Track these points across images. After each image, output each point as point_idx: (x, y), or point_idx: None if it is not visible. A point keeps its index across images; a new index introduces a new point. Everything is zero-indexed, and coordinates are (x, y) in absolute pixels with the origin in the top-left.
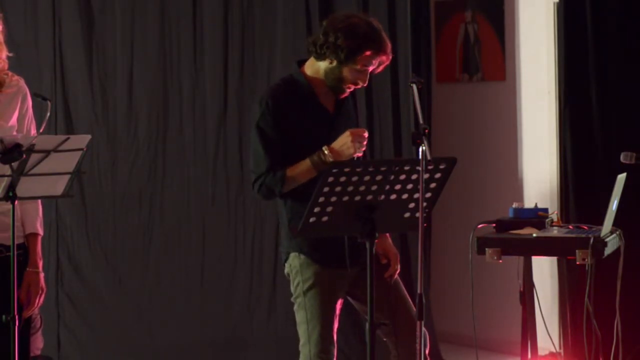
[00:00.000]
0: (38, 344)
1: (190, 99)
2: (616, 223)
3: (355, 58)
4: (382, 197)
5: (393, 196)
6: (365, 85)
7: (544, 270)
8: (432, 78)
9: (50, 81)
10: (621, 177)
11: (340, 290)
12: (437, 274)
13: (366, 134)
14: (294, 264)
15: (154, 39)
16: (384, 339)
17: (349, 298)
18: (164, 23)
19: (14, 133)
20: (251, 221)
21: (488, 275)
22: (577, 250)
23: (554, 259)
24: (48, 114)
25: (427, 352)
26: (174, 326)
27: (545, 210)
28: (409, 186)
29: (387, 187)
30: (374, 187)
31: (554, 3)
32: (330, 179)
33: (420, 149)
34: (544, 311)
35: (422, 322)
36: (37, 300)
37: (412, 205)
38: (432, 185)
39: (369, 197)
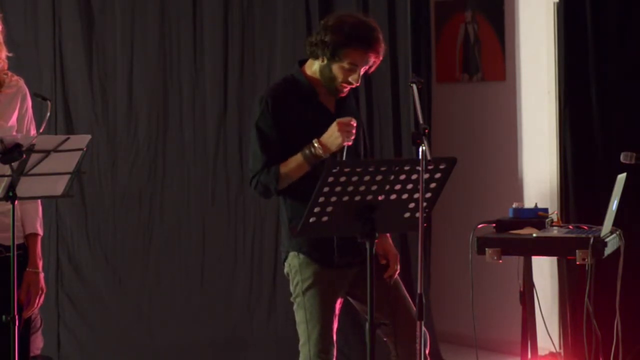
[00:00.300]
0: (38, 344)
1: (190, 99)
2: (616, 223)
3: (340, 55)
4: (382, 197)
5: (393, 196)
6: (357, 84)
7: (544, 270)
8: (432, 78)
9: (50, 81)
10: (621, 177)
11: (339, 290)
12: (437, 274)
13: (354, 123)
14: (293, 263)
15: (154, 39)
16: (384, 339)
17: (349, 298)
18: (164, 23)
19: (14, 133)
20: (251, 221)
21: (488, 275)
22: (577, 250)
23: (554, 259)
24: (48, 114)
25: (427, 352)
26: (174, 326)
27: (545, 210)
28: (409, 186)
29: (387, 187)
30: (374, 187)
31: (554, 3)
32: (330, 179)
33: (420, 149)
34: (544, 311)
35: (422, 322)
36: (37, 301)
37: (412, 205)
38: (432, 185)
39: (369, 197)
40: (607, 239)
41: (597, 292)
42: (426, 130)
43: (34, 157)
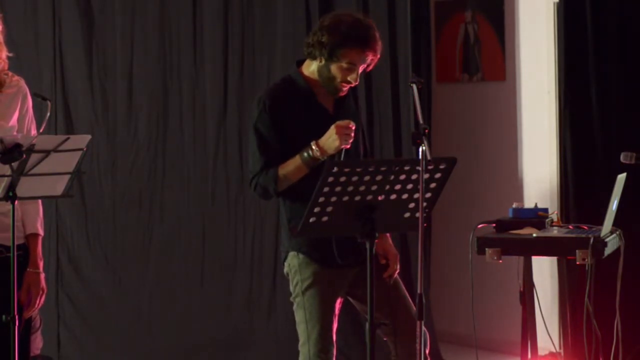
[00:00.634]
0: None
1: (190, 99)
2: (616, 223)
3: (338, 54)
4: (382, 197)
5: (393, 196)
6: (356, 83)
7: (544, 270)
8: (432, 78)
9: (50, 81)
10: (621, 177)
11: (339, 290)
12: (437, 274)
13: (352, 126)
14: (292, 263)
15: (154, 39)
16: (384, 339)
17: (349, 298)
18: (164, 23)
19: (15, 133)
20: (251, 221)
21: (488, 275)
22: (577, 250)
23: (554, 259)
24: (48, 114)
25: (427, 351)
26: (174, 326)
27: (545, 210)
28: (409, 186)
29: (387, 187)
30: (374, 187)
31: (554, 3)
32: (330, 179)
33: (420, 149)
34: (544, 311)
35: (422, 322)
36: (37, 301)
37: (412, 205)
38: (432, 185)
39: (369, 197)
40: (607, 239)
41: (597, 292)
42: (426, 130)
43: (34, 157)
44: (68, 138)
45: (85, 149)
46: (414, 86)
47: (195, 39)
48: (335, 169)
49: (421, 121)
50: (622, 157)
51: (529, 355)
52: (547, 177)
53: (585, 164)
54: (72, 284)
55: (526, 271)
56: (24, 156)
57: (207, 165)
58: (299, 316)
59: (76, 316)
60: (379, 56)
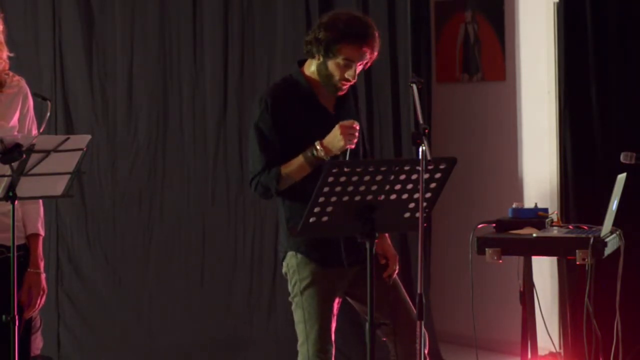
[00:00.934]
0: (38, 344)
1: (190, 99)
2: (616, 223)
3: (334, 51)
4: (382, 197)
5: (393, 196)
6: (354, 81)
7: (544, 270)
8: (432, 78)
9: (50, 81)
10: (621, 177)
11: (337, 289)
12: (437, 274)
13: (356, 126)
14: (291, 263)
15: (154, 39)
16: (383, 339)
17: (348, 298)
18: (164, 23)
19: (15, 133)
20: (251, 221)
21: (488, 275)
22: (577, 250)
23: (554, 259)
24: (48, 114)
25: (426, 352)
26: (174, 326)
27: (545, 210)
28: (409, 186)
29: (387, 187)
30: (374, 187)
31: (554, 3)
32: (330, 179)
33: (420, 149)
34: (544, 311)
35: (422, 322)
36: (38, 301)
37: (412, 205)
38: (432, 185)
39: (369, 197)
40: (607, 239)
41: (597, 292)
42: (426, 130)
43: (34, 157)
44: (68, 138)
45: (85, 149)
46: (414, 86)
47: (195, 39)
48: (335, 169)
49: (421, 121)
50: (622, 157)
51: (529, 355)
52: (547, 177)
53: (585, 164)
54: (72, 284)
55: (526, 271)
56: (24, 156)
57: (207, 165)
58: (298, 316)
59: (76, 316)
60: (376, 54)
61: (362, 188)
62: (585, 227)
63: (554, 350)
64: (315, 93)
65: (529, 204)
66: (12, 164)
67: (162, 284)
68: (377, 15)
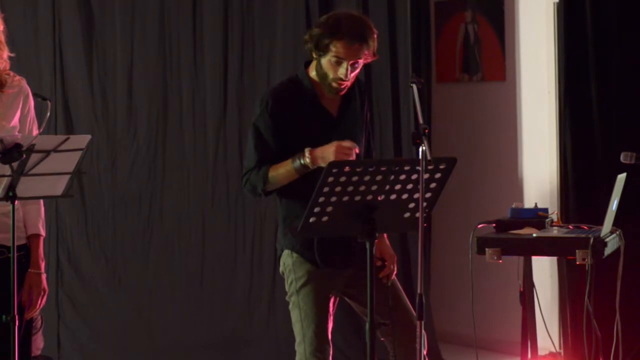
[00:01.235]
0: (38, 344)
1: (190, 99)
2: (616, 223)
3: (324, 48)
4: (382, 197)
5: (393, 196)
6: (347, 79)
7: (544, 270)
8: (432, 78)
9: (50, 81)
10: (621, 177)
11: (334, 289)
12: (437, 274)
13: (356, 150)
14: (287, 262)
15: (154, 39)
16: (382, 339)
17: (346, 299)
18: (164, 23)
19: (16, 133)
20: (251, 221)
21: (488, 275)
22: (577, 250)
23: (554, 259)
24: (48, 114)
25: (425, 352)
26: (173, 326)
27: (545, 210)
28: (409, 186)
29: (387, 187)
30: (374, 187)
31: (554, 3)
32: (330, 179)
33: (420, 149)
34: (544, 311)
35: (422, 322)
36: (39, 302)
37: (412, 205)
38: (432, 185)
39: (369, 197)
40: (607, 239)
41: (597, 292)
42: (426, 130)
43: (34, 157)
44: (68, 138)
45: (85, 149)
46: (414, 86)
47: (195, 39)
48: (335, 169)
49: (421, 121)
50: (622, 157)
51: (529, 355)
52: (547, 177)
53: (585, 164)
54: (72, 284)
55: (526, 271)
56: (24, 156)
57: (207, 165)
58: (294, 315)
59: (76, 316)
60: (370, 51)
61: (362, 188)
62: (585, 227)
63: (554, 350)
64: (318, 95)
65: (529, 204)
66: (12, 164)
67: (162, 284)
68: (377, 15)
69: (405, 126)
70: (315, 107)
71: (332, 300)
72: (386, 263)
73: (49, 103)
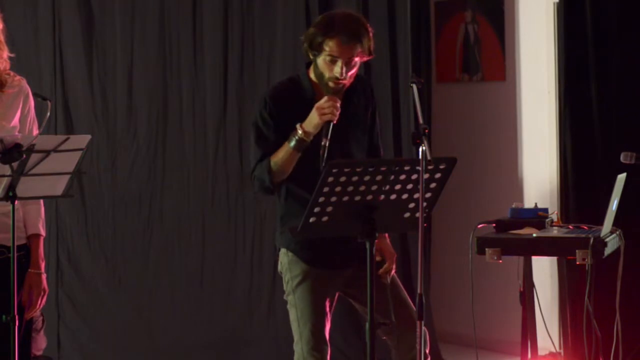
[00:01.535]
0: (40, 344)
1: (190, 99)
2: (616, 223)
3: (318, 46)
4: (382, 197)
5: (393, 196)
6: (342, 78)
7: (544, 270)
8: (432, 78)
9: (50, 81)
10: (621, 177)
11: (330, 288)
12: (437, 274)
13: (335, 102)
14: (283, 261)
15: (154, 39)
16: (383, 337)
17: (348, 299)
18: (164, 23)
19: (16, 133)
20: (251, 221)
21: (488, 275)
22: (577, 250)
23: (554, 259)
24: (48, 114)
25: (427, 350)
26: (173, 326)
27: (545, 210)
28: (409, 186)
29: (387, 187)
30: (374, 187)
31: (554, 3)
32: (330, 179)
33: (420, 149)
34: (544, 311)
35: (422, 322)
36: (39, 302)
37: (412, 205)
38: (432, 185)
39: (369, 197)
40: (607, 239)
41: (597, 292)
42: (426, 130)
43: (34, 157)
44: (68, 138)
45: (85, 149)
46: (414, 86)
47: (195, 39)
48: (336, 169)
49: (421, 121)
50: (622, 157)
51: (529, 355)
52: (547, 177)
53: (585, 164)
54: (72, 284)
55: (526, 271)
56: (24, 156)
57: (207, 165)
58: (292, 315)
59: (76, 316)
60: (365, 49)
61: (362, 188)
62: (585, 227)
63: (554, 350)
64: (317, 96)
65: (529, 204)
66: (12, 164)
67: (162, 284)
68: (377, 15)
69: (405, 126)
70: (313, 107)
71: (329, 299)
72: (385, 260)
73: (49, 103)
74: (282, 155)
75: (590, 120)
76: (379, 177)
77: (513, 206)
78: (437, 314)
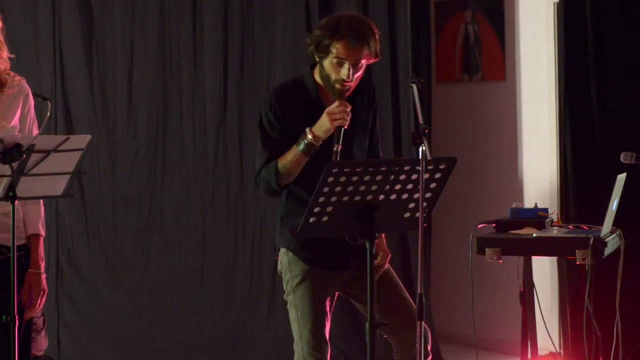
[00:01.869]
0: (41, 344)
1: (190, 99)
2: (616, 223)
3: (325, 49)
4: (382, 197)
5: (393, 196)
6: (349, 80)
7: (544, 270)
8: (432, 78)
9: (50, 81)
10: (621, 177)
11: (330, 288)
12: (437, 274)
13: (347, 107)
14: (283, 260)
15: (154, 39)
16: (384, 336)
17: (348, 298)
18: (164, 23)
19: (16, 133)
20: (251, 221)
21: (488, 275)
22: (577, 250)
23: (554, 259)
24: (48, 114)
25: (429, 348)
26: (173, 326)
27: (545, 210)
28: (409, 186)
29: (387, 187)
30: (374, 187)
31: (554, 3)
32: (330, 179)
33: (420, 149)
34: (544, 311)
35: (422, 322)
36: (38, 302)
37: (412, 205)
38: (432, 185)
39: (369, 197)
40: (607, 239)
41: (597, 292)
42: (426, 130)
43: (34, 157)
44: (68, 138)
45: (85, 149)
46: (414, 86)
47: (195, 38)
48: (336, 169)
49: (421, 121)
50: (622, 157)
51: (529, 355)
52: (547, 177)
53: (585, 164)
54: (72, 284)
55: (526, 271)
56: (24, 156)
57: (207, 165)
58: (292, 315)
59: (76, 316)
60: (371, 52)
61: (362, 188)
62: (585, 227)
63: (554, 350)
64: (321, 98)
65: (529, 204)
66: (12, 164)
67: (162, 284)
68: (377, 15)
69: (405, 126)
70: (317, 109)
71: (329, 299)
72: (380, 258)
73: (49, 103)
74: (290, 158)
75: (590, 121)
76: (379, 177)
77: (513, 206)
78: (437, 314)
